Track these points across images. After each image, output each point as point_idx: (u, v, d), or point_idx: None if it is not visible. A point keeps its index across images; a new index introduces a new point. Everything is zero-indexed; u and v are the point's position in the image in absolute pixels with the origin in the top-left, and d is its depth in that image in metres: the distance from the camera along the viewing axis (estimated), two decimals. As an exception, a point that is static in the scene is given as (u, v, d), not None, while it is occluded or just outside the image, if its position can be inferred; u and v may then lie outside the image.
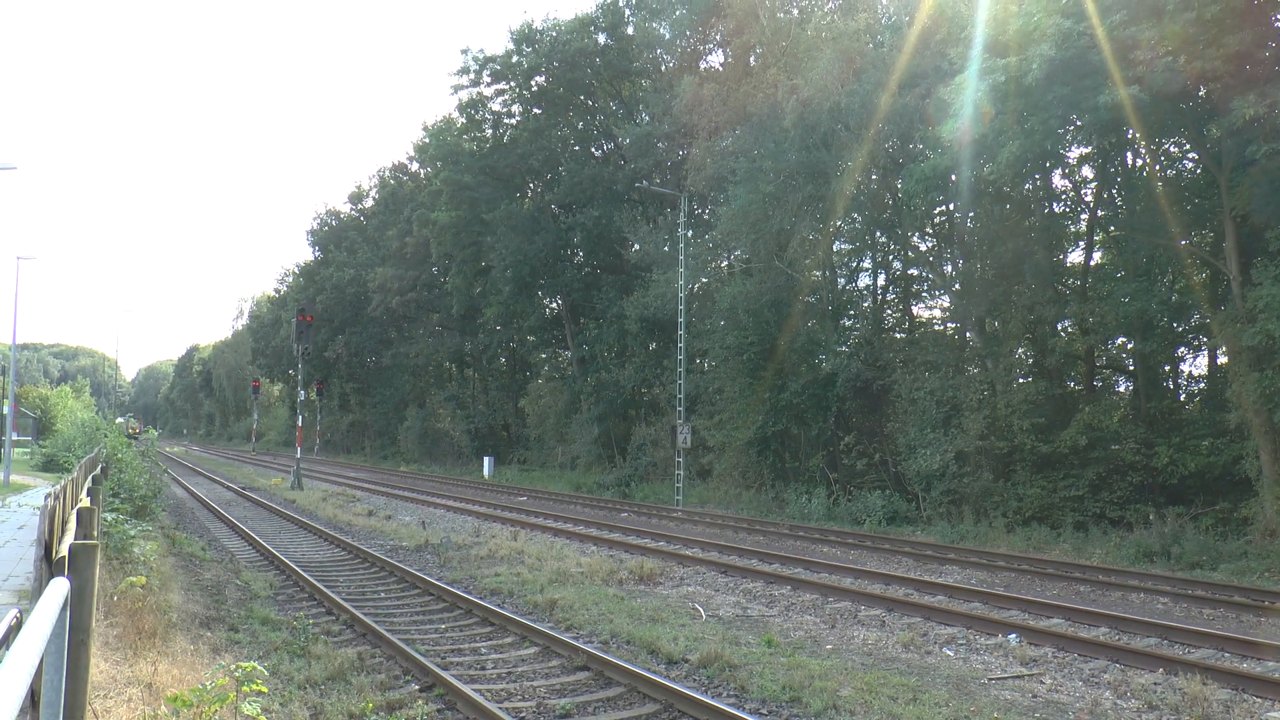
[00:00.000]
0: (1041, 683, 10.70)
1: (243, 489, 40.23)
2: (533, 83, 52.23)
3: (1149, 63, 19.13)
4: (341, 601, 14.29)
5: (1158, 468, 23.68)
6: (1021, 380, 27.89)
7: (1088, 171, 28.87)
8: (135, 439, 63.71)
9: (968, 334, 30.38)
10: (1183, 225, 24.47)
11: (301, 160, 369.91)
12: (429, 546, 21.73)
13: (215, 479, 48.67)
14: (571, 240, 52.28)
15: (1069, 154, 27.93)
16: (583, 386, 50.23)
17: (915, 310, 35.68)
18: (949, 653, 12.12)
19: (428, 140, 63.39)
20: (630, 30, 49.90)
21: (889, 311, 36.06)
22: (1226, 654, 11.89)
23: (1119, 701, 10.01)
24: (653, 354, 47.19)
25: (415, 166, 76.58)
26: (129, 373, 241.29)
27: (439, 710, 9.30)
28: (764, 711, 9.41)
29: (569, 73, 50.68)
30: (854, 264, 36.52)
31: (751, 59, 38.00)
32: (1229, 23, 18.65)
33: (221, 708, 6.57)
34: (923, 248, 33.19)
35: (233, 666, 7.01)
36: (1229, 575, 18.13)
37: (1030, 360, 28.64)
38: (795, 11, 36.37)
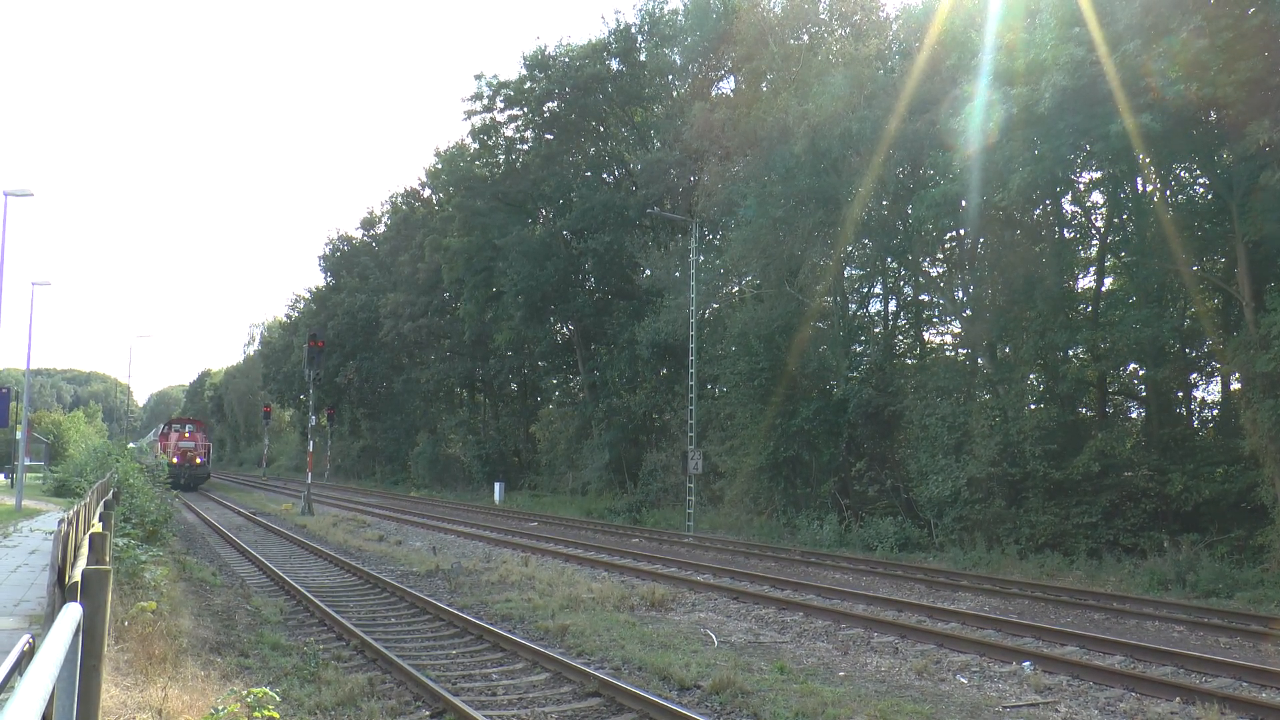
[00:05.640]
0: (1056, 711, 10.61)
1: (253, 514, 40.22)
2: (545, 108, 52.52)
3: (1161, 90, 19.15)
4: (352, 627, 14.26)
5: (1171, 495, 23.50)
6: (1033, 406, 27.78)
7: (1097, 197, 28.85)
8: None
9: (979, 360, 30.29)
10: (1194, 251, 24.40)
11: (314, 186, 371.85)
12: (439, 572, 21.70)
13: (225, 504, 48.70)
14: (583, 266, 52.36)
15: (1079, 179, 27.92)
16: (594, 412, 50.20)
17: (926, 336, 35.64)
18: (963, 680, 12.04)
19: (440, 165, 63.66)
20: (642, 56, 50.24)
21: (900, 337, 36.00)
22: (1245, 683, 11.76)
23: (1135, 731, 9.92)
24: (664, 379, 47.14)
25: (427, 192, 76.77)
26: (141, 397, 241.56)
27: (450, 737, 9.25)
28: (777, 740, 9.34)
29: (581, 98, 50.94)
30: (865, 289, 36.52)
31: (762, 85, 38.13)
32: (1241, 48, 18.65)
33: (233, 733, 6.55)
34: (933, 273, 33.16)
35: (244, 692, 7.00)
36: (1245, 603, 17.97)
37: (1042, 386, 28.52)
38: (805, 37, 36.53)
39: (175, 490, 45.26)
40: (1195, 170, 25.55)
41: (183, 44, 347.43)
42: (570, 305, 52.38)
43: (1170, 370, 25.66)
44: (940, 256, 32.72)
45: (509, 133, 55.71)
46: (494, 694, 11.05)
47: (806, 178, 31.00)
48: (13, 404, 42.73)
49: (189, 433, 67.60)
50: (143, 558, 14.96)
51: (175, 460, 61.80)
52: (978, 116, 22.93)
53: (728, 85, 45.57)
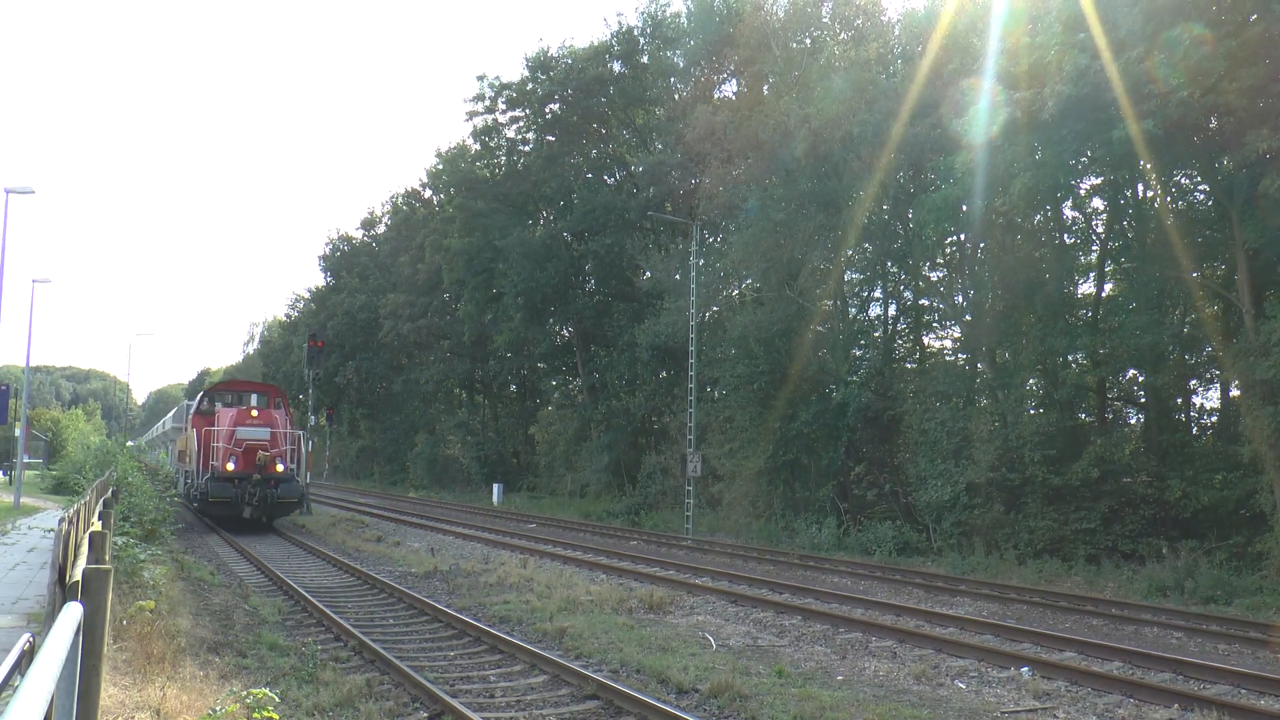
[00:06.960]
0: (1055, 716, 10.61)
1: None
2: (547, 110, 52.57)
3: (1163, 97, 19.17)
4: (350, 628, 14.24)
5: (1170, 501, 23.50)
6: (1032, 411, 27.77)
7: (1098, 202, 28.88)
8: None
9: (978, 365, 30.29)
10: (1194, 257, 24.40)
11: (314, 185, 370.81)
12: (438, 573, 21.69)
13: (224, 503, 48.43)
14: (583, 268, 52.38)
15: (1080, 185, 27.94)
16: (593, 414, 50.20)
17: (926, 340, 35.63)
18: (961, 685, 12.03)
19: (441, 166, 63.72)
20: (644, 59, 50.26)
21: (900, 341, 36.00)
22: (1243, 690, 11.76)
23: (1133, 737, 9.91)
24: (663, 382, 47.15)
25: (428, 193, 76.77)
26: (140, 396, 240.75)
27: (448, 739, 9.24)
28: (775, 743, 9.33)
29: (583, 100, 51.00)
30: (865, 293, 36.51)
31: (764, 88, 38.16)
32: (1243, 56, 18.68)
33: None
34: (934, 278, 33.16)
35: (243, 692, 6.99)
36: (1244, 610, 17.96)
37: (1041, 391, 28.52)
38: (808, 41, 36.55)
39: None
40: (1196, 177, 25.57)
41: (184, 43, 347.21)
42: (570, 307, 52.37)
43: (1170, 376, 25.66)
44: (941, 261, 32.73)
45: (510, 134, 55.79)
46: (492, 695, 11.05)
47: (808, 181, 31.04)
48: (12, 401, 42.73)
49: (256, 409, 33.52)
50: (141, 557, 14.94)
51: (232, 466, 31.17)
52: (981, 118, 22.96)
53: (730, 88, 45.59)
